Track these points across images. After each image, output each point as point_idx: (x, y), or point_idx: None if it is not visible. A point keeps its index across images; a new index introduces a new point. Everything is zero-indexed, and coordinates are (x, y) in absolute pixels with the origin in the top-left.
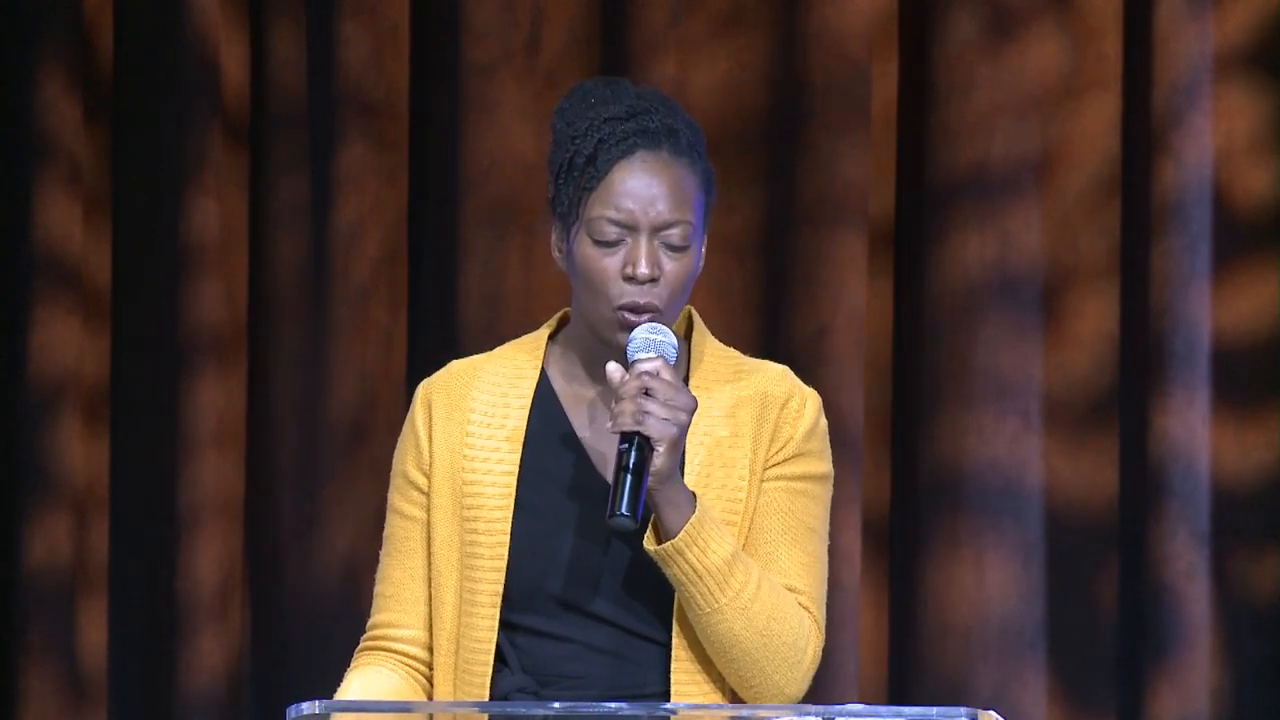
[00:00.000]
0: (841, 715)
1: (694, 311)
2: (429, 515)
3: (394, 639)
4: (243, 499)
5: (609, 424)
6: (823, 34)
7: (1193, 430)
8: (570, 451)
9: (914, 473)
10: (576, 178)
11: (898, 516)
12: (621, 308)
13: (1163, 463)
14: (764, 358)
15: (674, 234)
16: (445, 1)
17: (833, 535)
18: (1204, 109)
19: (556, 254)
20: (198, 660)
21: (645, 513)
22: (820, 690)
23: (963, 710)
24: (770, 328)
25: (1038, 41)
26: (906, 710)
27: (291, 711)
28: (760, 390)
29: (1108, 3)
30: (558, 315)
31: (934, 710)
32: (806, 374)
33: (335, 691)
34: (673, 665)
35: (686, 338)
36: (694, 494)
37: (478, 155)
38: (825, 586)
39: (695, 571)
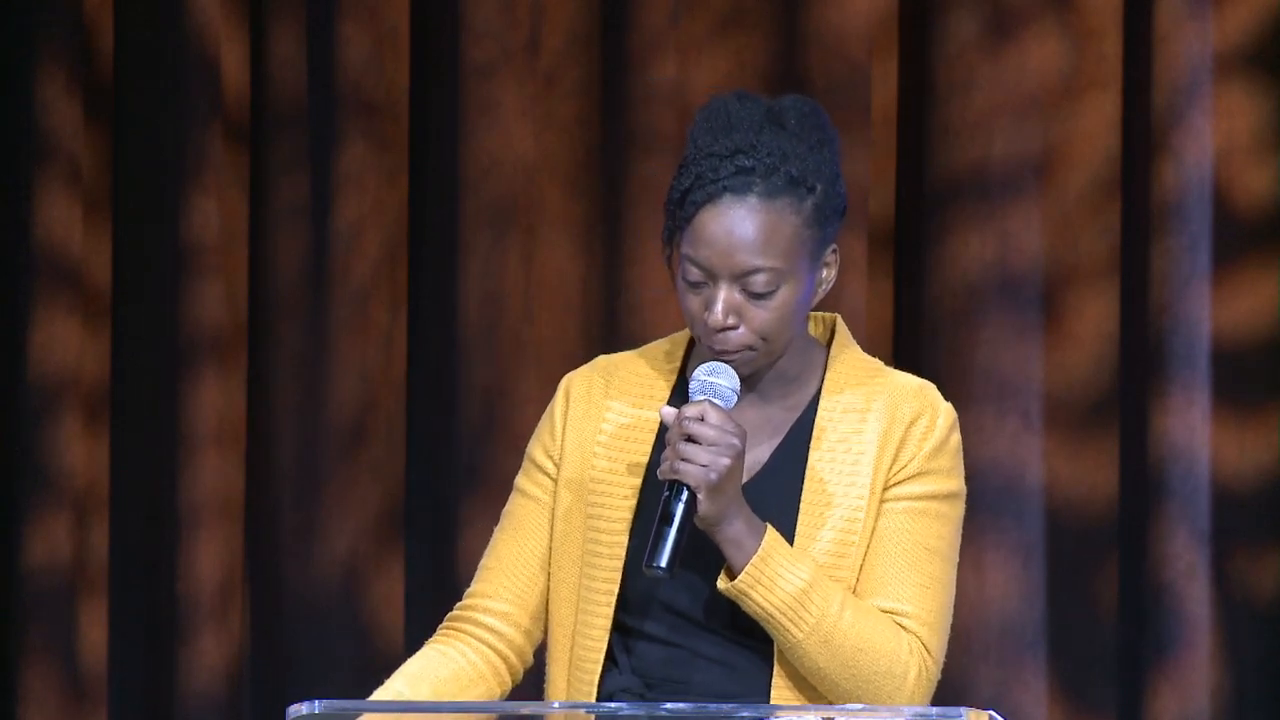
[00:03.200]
0: (841, 715)
1: (839, 319)
2: (553, 507)
3: (482, 610)
4: (243, 499)
5: (658, 471)
6: (823, 34)
7: (1193, 430)
8: None
9: None
10: (673, 212)
11: None
12: (709, 344)
13: (1163, 463)
14: None
15: (757, 281)
16: (445, 1)
17: None
18: (1204, 109)
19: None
20: (198, 660)
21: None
22: None
23: (962, 710)
24: None
25: (1038, 41)
26: (906, 710)
27: (291, 712)
28: (891, 406)
29: (1108, 3)
30: None
31: (934, 710)
32: None
33: (338, 688)
34: (774, 676)
35: (827, 346)
36: (764, 526)
37: (478, 155)
38: (946, 609)
39: (765, 610)
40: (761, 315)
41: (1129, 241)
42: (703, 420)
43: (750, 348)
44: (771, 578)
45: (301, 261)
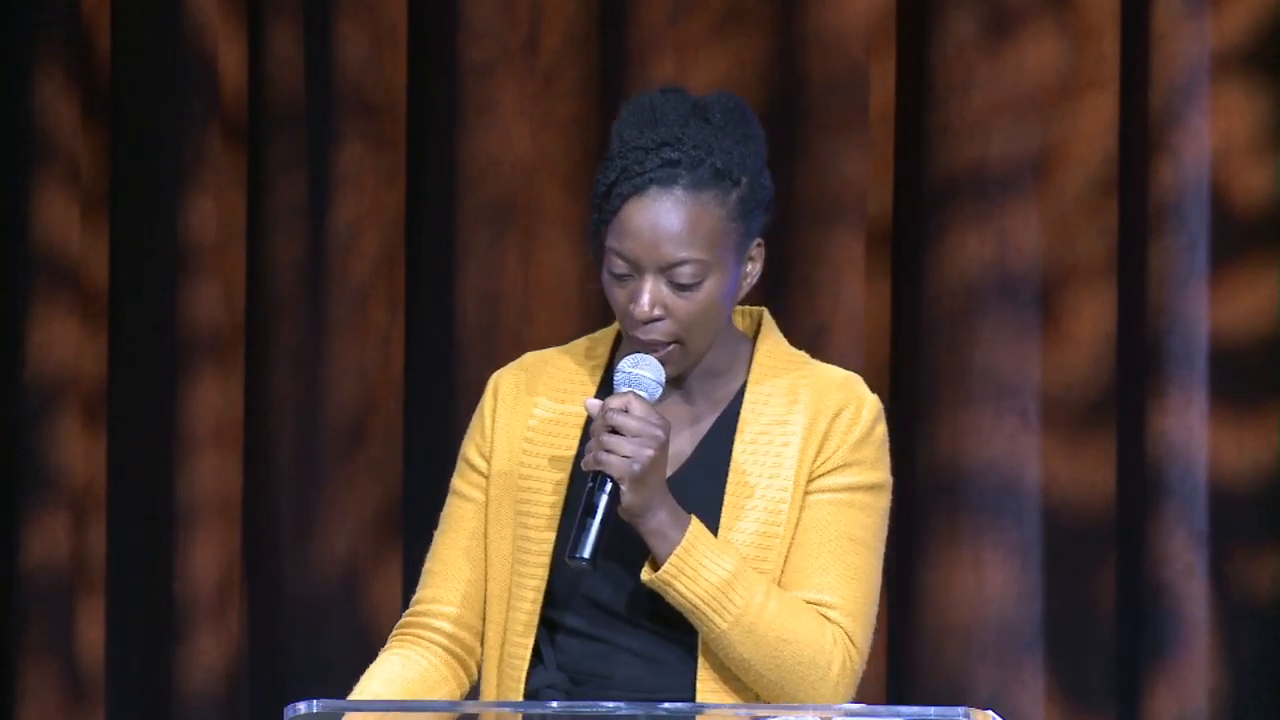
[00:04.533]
0: (839, 715)
1: (765, 313)
2: (486, 502)
3: (434, 615)
4: (241, 498)
5: (582, 462)
6: (821, 33)
7: (1191, 430)
8: None
9: (912, 472)
10: (599, 205)
11: (896, 516)
12: (633, 338)
13: (1161, 462)
14: None
15: (682, 273)
16: (443, 1)
17: None
18: (1202, 108)
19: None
20: (196, 659)
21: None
22: None
23: (961, 710)
24: None
25: (1036, 41)
26: (905, 710)
27: (289, 711)
28: (815, 398)
29: (1106, 2)
30: None
31: (932, 710)
32: None
33: (336, 688)
34: (699, 670)
35: (753, 339)
36: (688, 518)
37: (476, 155)
38: (870, 600)
39: (689, 600)
40: (687, 307)
41: (1127, 241)
42: (626, 412)
43: (676, 340)
44: (695, 568)
45: (299, 261)
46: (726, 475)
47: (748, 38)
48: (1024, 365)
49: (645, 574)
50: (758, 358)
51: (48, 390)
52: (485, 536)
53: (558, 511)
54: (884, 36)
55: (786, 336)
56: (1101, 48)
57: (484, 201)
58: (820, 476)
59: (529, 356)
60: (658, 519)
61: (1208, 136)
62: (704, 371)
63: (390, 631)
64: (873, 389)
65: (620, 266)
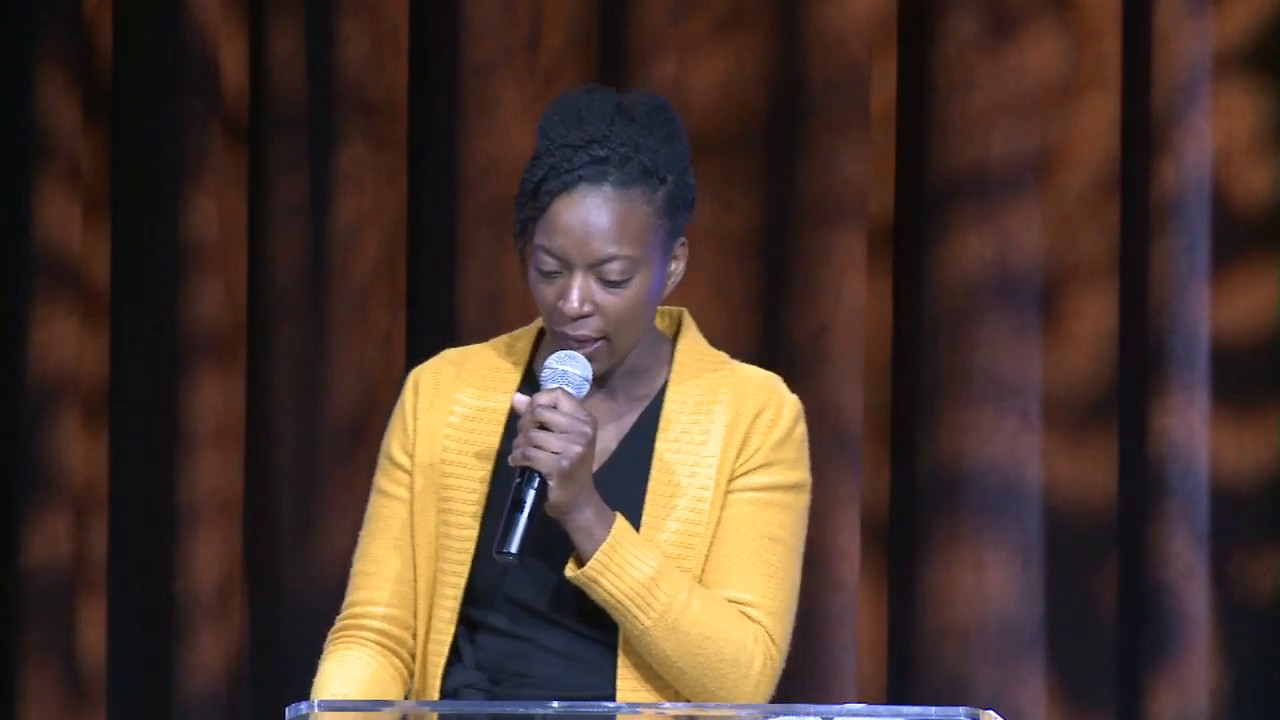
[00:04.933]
0: (840, 715)
1: (685, 313)
2: (411, 500)
3: (370, 617)
4: (242, 498)
5: (509, 458)
6: (822, 33)
7: (1192, 430)
8: None
9: (913, 472)
10: (526, 204)
11: (897, 516)
12: (560, 335)
13: (1162, 462)
14: (763, 357)
15: (611, 269)
16: (444, 0)
17: (831, 534)
18: (1203, 108)
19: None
20: (197, 659)
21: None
22: (819, 689)
23: (962, 710)
24: (769, 327)
25: (1037, 41)
26: (905, 710)
27: (290, 711)
28: (736, 398)
29: (1107, 2)
30: None
31: (933, 710)
32: (805, 373)
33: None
34: (619, 669)
35: (674, 340)
36: (613, 515)
37: (477, 154)
38: (790, 598)
39: (614, 597)
40: (616, 304)
41: (1128, 241)
42: (555, 408)
43: (603, 337)
44: (621, 565)
45: (301, 261)
46: (649, 473)
47: (749, 37)
48: (1025, 365)
49: (569, 570)
50: (679, 357)
51: (49, 390)
52: (412, 532)
53: (480, 508)
54: (885, 36)
55: (787, 336)
56: (1103, 47)
57: (485, 201)
58: (741, 476)
59: (449, 352)
60: (584, 516)
61: (1209, 136)
62: (626, 370)
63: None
64: (874, 389)
65: (549, 263)
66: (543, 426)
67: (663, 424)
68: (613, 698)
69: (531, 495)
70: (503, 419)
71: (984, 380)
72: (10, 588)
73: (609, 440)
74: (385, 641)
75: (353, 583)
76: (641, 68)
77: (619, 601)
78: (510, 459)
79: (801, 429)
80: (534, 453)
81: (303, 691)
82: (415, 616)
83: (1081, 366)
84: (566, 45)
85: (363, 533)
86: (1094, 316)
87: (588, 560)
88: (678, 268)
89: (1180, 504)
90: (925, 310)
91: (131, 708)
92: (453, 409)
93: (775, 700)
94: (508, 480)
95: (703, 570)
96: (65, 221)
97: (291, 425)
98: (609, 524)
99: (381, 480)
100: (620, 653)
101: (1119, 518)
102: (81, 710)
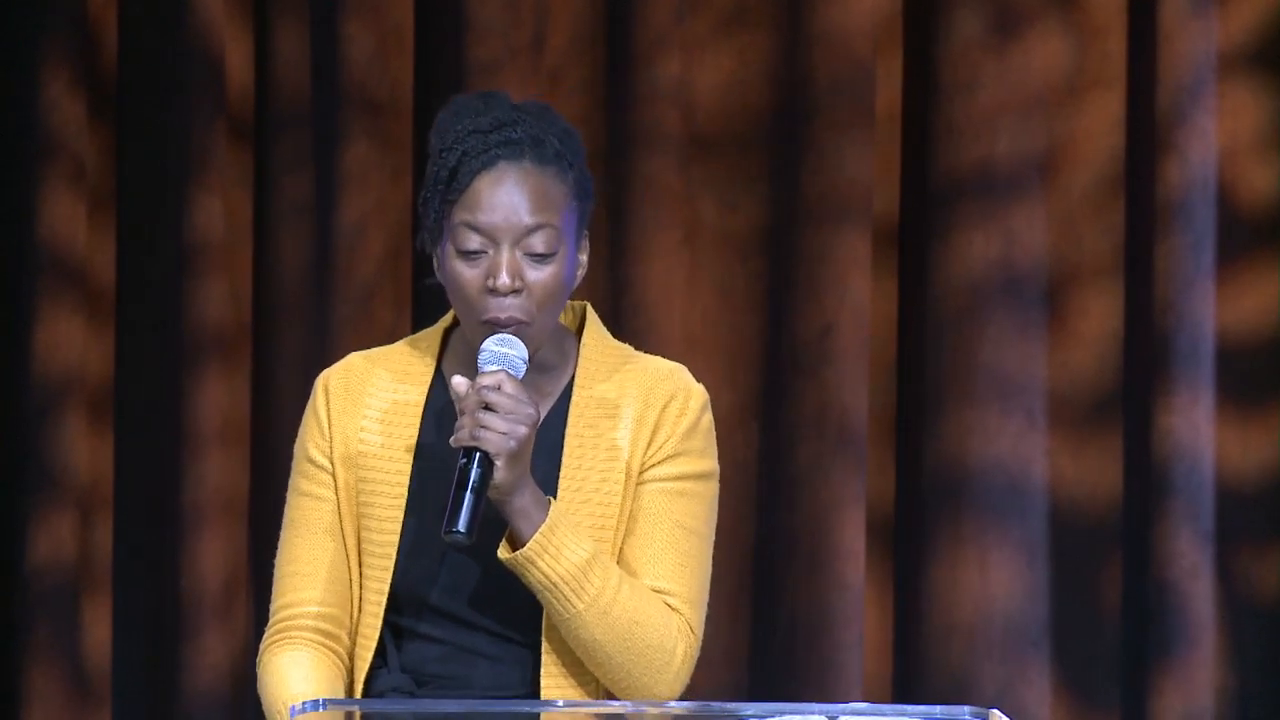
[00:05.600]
0: (845, 714)
1: (589, 307)
2: (338, 500)
3: (306, 616)
4: (247, 497)
5: (451, 439)
6: (827, 32)
7: (1197, 428)
8: (457, 451)
9: (918, 471)
10: (441, 190)
11: (902, 515)
12: (485, 322)
13: (1167, 461)
14: (768, 356)
15: (536, 241)
16: (449, 0)
17: (837, 533)
18: (1208, 107)
19: (435, 272)
20: (202, 658)
21: (497, 525)
22: (824, 688)
23: (967, 709)
24: (774, 326)
25: (1042, 40)
26: (911, 709)
27: (294, 710)
28: (644, 390)
29: (1112, 1)
30: (452, 311)
31: (938, 709)
32: (810, 373)
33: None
34: (541, 669)
35: (578, 333)
36: (548, 500)
37: None
38: (704, 587)
39: (549, 579)
40: (543, 279)
41: (1133, 240)
42: (499, 389)
43: (527, 319)
44: (558, 548)
45: (305, 260)
46: (559, 469)
47: (753, 37)
48: (1030, 364)
49: (503, 553)
50: (584, 351)
51: (54, 389)
52: (341, 532)
53: (400, 509)
54: (890, 35)
55: (792, 336)
56: (1108, 46)
57: None
58: (652, 467)
59: (354, 356)
60: (523, 499)
61: (1214, 136)
62: (535, 366)
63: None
64: (879, 388)
65: (474, 241)
66: (488, 408)
67: (572, 418)
68: (536, 697)
69: (478, 475)
70: (418, 415)
71: (989, 379)
72: (15, 587)
73: None
74: (322, 640)
75: (280, 585)
76: (646, 67)
77: (554, 584)
78: (454, 440)
79: (709, 419)
80: (481, 433)
81: None
82: (348, 612)
83: (1086, 366)
84: (571, 45)
85: (284, 536)
86: (1099, 316)
87: (526, 542)
88: (584, 260)
89: (1185, 503)
90: (930, 309)
91: (137, 707)
92: (365, 414)
93: (780, 699)
94: (427, 477)
95: (617, 561)
96: (70, 221)
97: (296, 424)
98: (545, 508)
99: (301, 482)
100: (544, 653)
101: (1124, 517)
102: (87, 709)
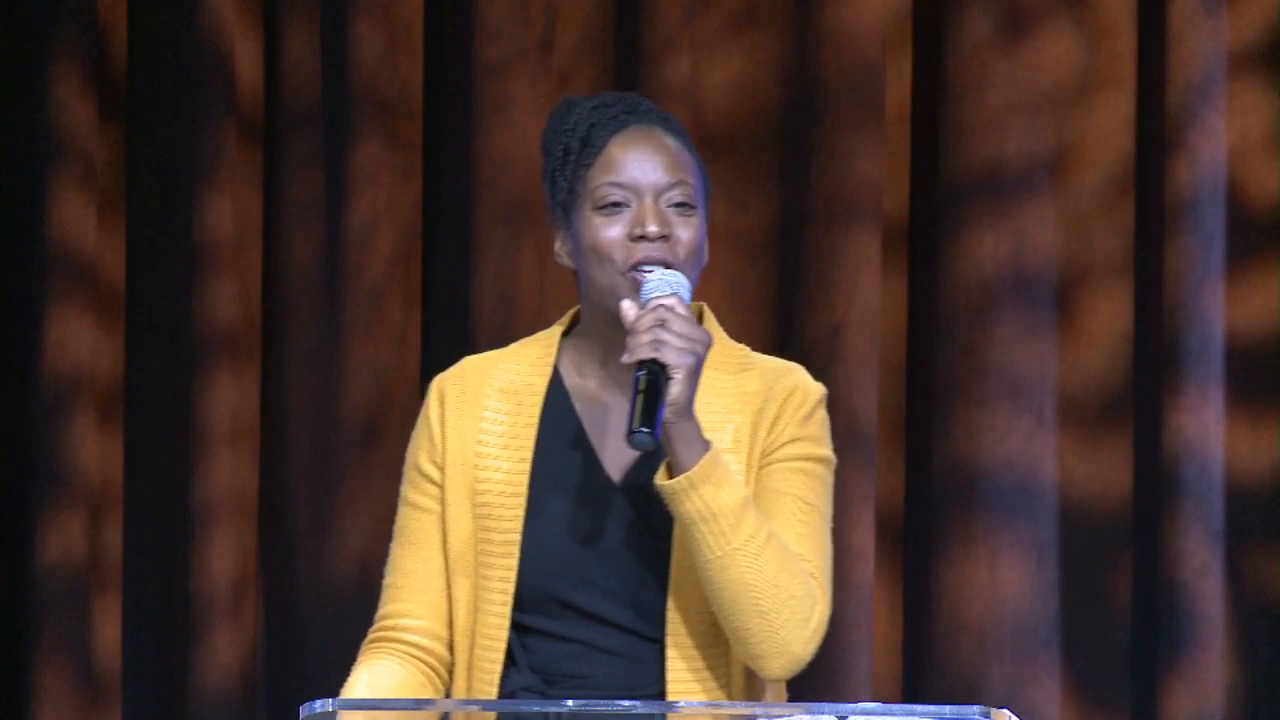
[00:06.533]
0: (855, 714)
1: (705, 306)
2: (443, 510)
3: (403, 629)
4: (256, 496)
5: (624, 356)
6: (837, 32)
7: (1206, 428)
8: (579, 452)
9: (928, 471)
10: (574, 161)
11: (912, 514)
12: (635, 265)
13: (1177, 461)
14: (777, 355)
15: (677, 193)
16: (459, 0)
17: (846, 533)
18: (1218, 107)
19: (560, 255)
20: (212, 658)
21: (630, 512)
22: (834, 688)
23: (976, 708)
24: (784, 325)
25: (1052, 39)
26: (920, 708)
27: (304, 710)
28: (764, 386)
29: (1122, 1)
30: (570, 313)
31: (948, 709)
32: (820, 372)
33: (345, 687)
34: (667, 664)
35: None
36: (708, 440)
37: (492, 153)
38: (829, 560)
39: (710, 509)
40: (685, 233)
41: (1143, 239)
42: (673, 310)
43: (673, 268)
44: (720, 479)
45: (315, 259)
46: None
47: (763, 36)
48: (1040, 364)
49: (660, 478)
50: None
51: (64, 389)
52: (445, 545)
53: (520, 516)
54: (900, 35)
55: (801, 335)
56: (1117, 46)
57: (500, 200)
58: (773, 451)
59: (469, 359)
60: (690, 424)
61: (1224, 135)
62: None
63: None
64: (889, 388)
65: (615, 194)
66: (663, 325)
67: (696, 412)
68: (663, 695)
69: (658, 383)
70: (535, 424)
71: (999, 379)
72: (25, 587)
73: None
74: (417, 653)
75: (384, 595)
76: (655, 67)
77: (713, 515)
78: (629, 355)
79: (824, 413)
80: (663, 347)
81: (318, 690)
82: (450, 626)
83: (1096, 365)
84: (580, 44)
85: (393, 544)
86: (1108, 315)
87: (690, 468)
88: (707, 247)
89: (1195, 502)
90: (940, 309)
91: (146, 707)
92: (483, 415)
93: (789, 699)
94: (546, 486)
95: None
96: (80, 221)
97: (306, 424)
98: (707, 442)
99: (409, 492)
100: (668, 648)
101: (1134, 516)
102: (96, 709)
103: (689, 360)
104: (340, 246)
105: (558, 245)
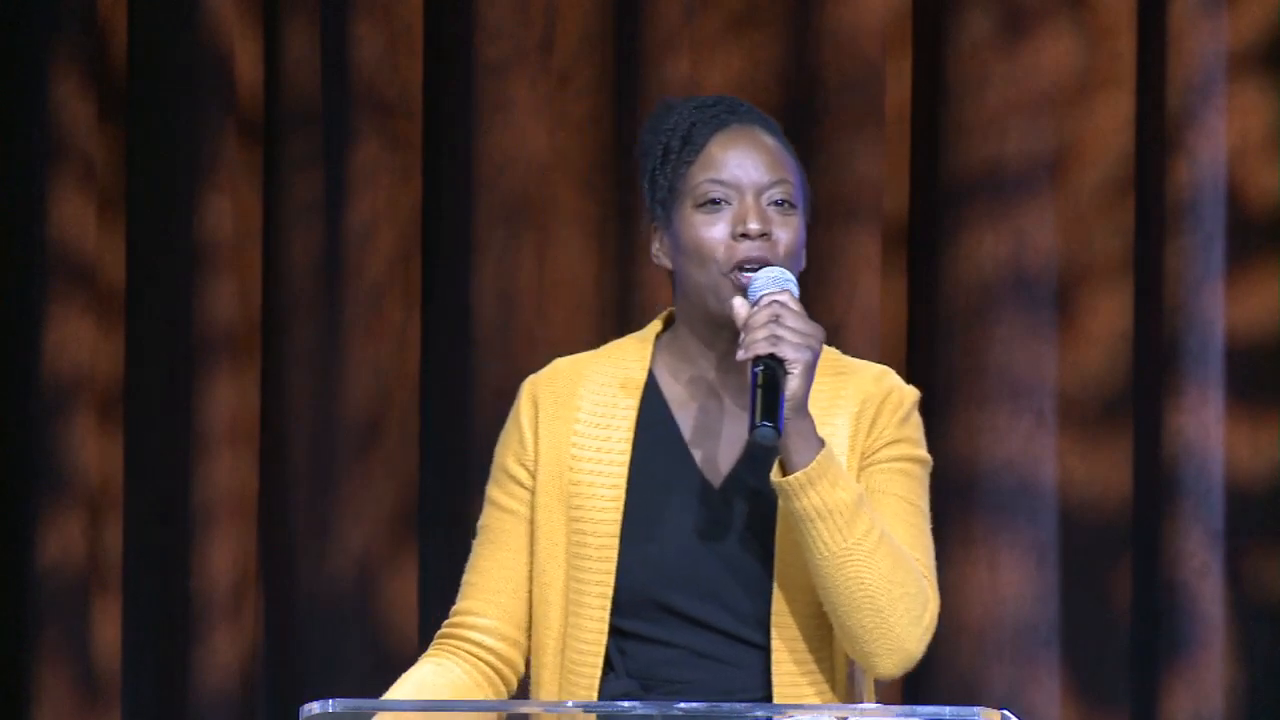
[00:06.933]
0: (855, 714)
1: None
2: (533, 513)
3: (470, 627)
4: (256, 497)
5: (739, 353)
6: (837, 32)
7: (1206, 429)
8: (675, 454)
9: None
10: (674, 159)
11: None
12: (737, 265)
13: (1176, 461)
14: None
15: (777, 191)
16: (459, 0)
17: None
18: (1218, 107)
19: (658, 256)
20: (211, 659)
21: (733, 518)
22: None
23: (977, 710)
24: None
25: (1052, 39)
26: (921, 709)
27: (304, 710)
28: (860, 391)
29: (1122, 1)
30: (663, 315)
31: (947, 710)
32: None
33: (351, 687)
34: (773, 668)
35: None
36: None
37: (491, 153)
38: (934, 559)
39: (826, 506)
40: (786, 232)
41: (1143, 240)
42: (788, 306)
43: (775, 264)
44: (835, 476)
45: (315, 259)
46: None
47: (763, 36)
48: (1040, 364)
49: (775, 476)
50: None
51: (63, 389)
52: (535, 547)
53: (618, 519)
54: (899, 35)
55: None
56: (1117, 46)
57: (499, 200)
58: (874, 453)
59: (561, 361)
60: (806, 420)
61: (1224, 135)
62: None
63: (431, 636)
64: None
65: (716, 191)
66: (777, 321)
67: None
68: (769, 699)
69: (774, 379)
70: (630, 426)
71: (998, 379)
72: (25, 587)
73: (743, 432)
74: (483, 653)
75: (461, 591)
76: (655, 67)
77: (830, 511)
78: (745, 351)
79: (918, 417)
80: (780, 342)
81: (317, 691)
82: (526, 630)
83: (1096, 365)
84: (580, 44)
85: (475, 541)
86: (1108, 315)
87: (806, 465)
88: (804, 252)
89: (1195, 503)
90: (940, 309)
91: (146, 707)
92: (577, 418)
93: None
94: (642, 490)
95: None
96: (80, 221)
97: (306, 424)
98: (821, 440)
99: (494, 491)
100: (774, 652)
101: (1133, 517)
102: (96, 710)
103: (806, 355)
104: (340, 246)
105: (655, 246)
